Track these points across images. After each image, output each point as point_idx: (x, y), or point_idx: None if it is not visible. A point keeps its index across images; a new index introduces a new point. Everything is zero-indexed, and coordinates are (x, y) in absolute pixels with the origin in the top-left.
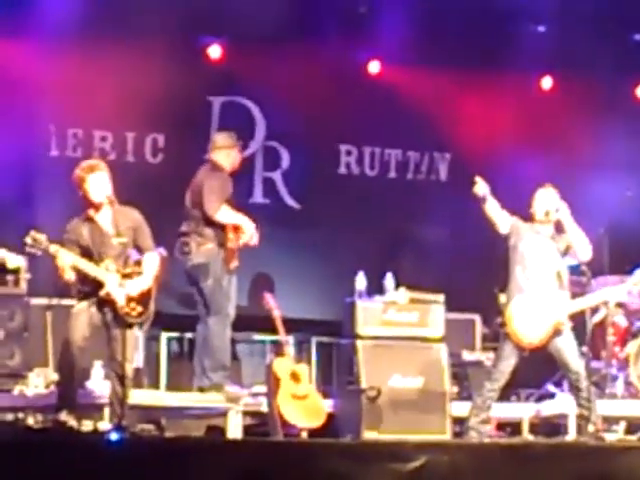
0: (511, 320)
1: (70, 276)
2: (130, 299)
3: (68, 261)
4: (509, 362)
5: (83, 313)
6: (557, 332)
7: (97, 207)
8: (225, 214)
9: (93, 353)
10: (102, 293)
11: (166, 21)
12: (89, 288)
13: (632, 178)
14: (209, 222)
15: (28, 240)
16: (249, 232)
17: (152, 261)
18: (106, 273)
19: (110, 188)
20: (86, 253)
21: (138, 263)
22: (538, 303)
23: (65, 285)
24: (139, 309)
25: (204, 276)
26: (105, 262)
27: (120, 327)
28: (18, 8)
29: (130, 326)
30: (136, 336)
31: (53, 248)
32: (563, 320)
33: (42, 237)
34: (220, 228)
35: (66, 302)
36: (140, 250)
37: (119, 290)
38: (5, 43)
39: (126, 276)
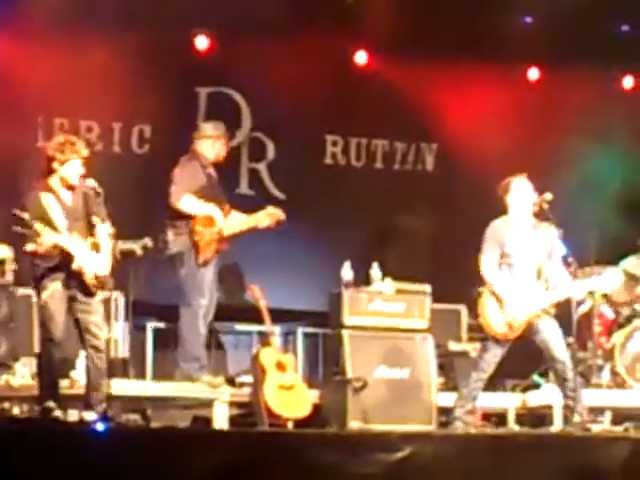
0: (483, 313)
1: (43, 251)
2: (96, 276)
3: (48, 237)
4: (495, 352)
5: (55, 296)
6: (534, 324)
7: (66, 184)
8: (188, 203)
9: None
10: (75, 266)
11: (153, 12)
12: (54, 262)
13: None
14: (180, 212)
15: (16, 218)
16: (220, 223)
17: (104, 233)
18: (78, 245)
19: (80, 172)
20: (50, 225)
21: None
22: (512, 296)
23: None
24: (101, 282)
25: (179, 266)
26: (72, 234)
27: (87, 298)
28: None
29: (93, 295)
30: (100, 304)
31: (38, 226)
32: (538, 312)
33: (26, 215)
34: (189, 219)
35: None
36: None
37: (89, 263)
38: None
39: (92, 250)
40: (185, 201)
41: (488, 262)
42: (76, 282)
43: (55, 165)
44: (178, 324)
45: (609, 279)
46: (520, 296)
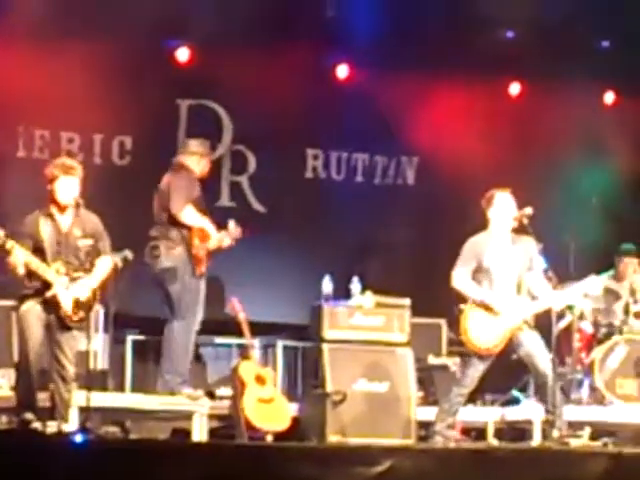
0: (466, 330)
1: (21, 271)
2: (76, 303)
3: (21, 258)
4: (477, 368)
5: (33, 311)
6: (515, 337)
7: (61, 207)
8: (189, 215)
9: None
10: (48, 295)
11: (134, 23)
12: (37, 286)
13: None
14: (176, 225)
15: None
16: (215, 237)
17: (105, 265)
18: (56, 275)
19: (78, 191)
20: (38, 250)
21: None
22: (493, 311)
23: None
24: (81, 314)
25: (172, 280)
26: (57, 263)
27: (61, 330)
28: None
29: (69, 329)
30: (76, 338)
31: (9, 244)
32: (519, 325)
33: (1, 233)
34: (187, 231)
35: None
36: (97, 254)
37: (65, 293)
38: None
39: (74, 280)
40: (187, 212)
41: (459, 275)
42: (53, 312)
43: (49, 187)
44: (165, 337)
45: (589, 285)
46: (501, 309)
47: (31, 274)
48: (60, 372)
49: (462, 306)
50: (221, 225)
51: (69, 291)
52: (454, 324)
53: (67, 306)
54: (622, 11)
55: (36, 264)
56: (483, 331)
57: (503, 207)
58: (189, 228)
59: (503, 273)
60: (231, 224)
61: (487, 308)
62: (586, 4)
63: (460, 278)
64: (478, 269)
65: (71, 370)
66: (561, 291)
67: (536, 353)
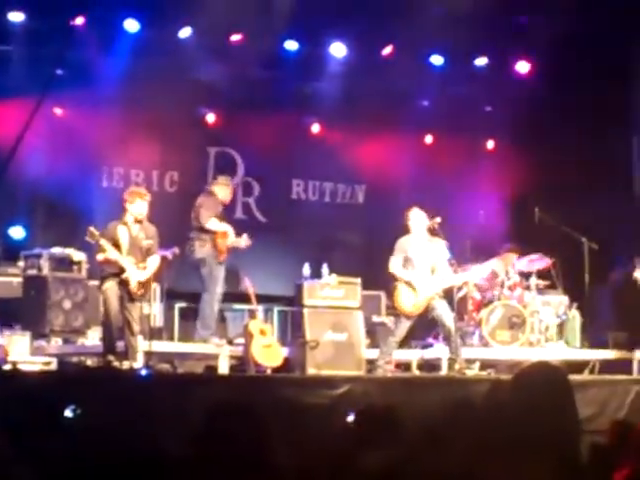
0: (397, 299)
1: (105, 261)
2: (139, 283)
3: (110, 253)
4: (405, 325)
5: (112, 289)
6: (430, 304)
7: (136, 220)
8: (213, 224)
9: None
10: (124, 276)
11: (181, 97)
12: (114, 270)
13: (485, 204)
14: (204, 230)
15: (88, 233)
16: (232, 236)
17: (155, 261)
18: (129, 264)
19: (146, 210)
20: (116, 246)
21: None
22: (414, 286)
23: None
24: (142, 291)
25: (202, 266)
26: (129, 256)
27: (130, 301)
28: (84, 88)
29: (134, 300)
30: (140, 307)
31: (103, 242)
32: (433, 295)
33: (96, 233)
34: (212, 234)
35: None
36: (150, 253)
37: (134, 276)
38: (74, 110)
39: (139, 268)
40: (211, 223)
41: (394, 262)
42: (125, 288)
43: (127, 205)
44: (200, 304)
45: (478, 272)
46: (420, 285)
47: (110, 262)
48: (130, 328)
49: (395, 283)
50: (238, 233)
51: (135, 275)
52: (390, 295)
53: (134, 284)
54: None
55: (116, 255)
56: (408, 300)
57: (416, 218)
58: (214, 232)
59: (421, 262)
60: (245, 236)
61: (410, 285)
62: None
63: (394, 265)
64: (405, 259)
65: (136, 327)
66: (459, 274)
67: (443, 314)
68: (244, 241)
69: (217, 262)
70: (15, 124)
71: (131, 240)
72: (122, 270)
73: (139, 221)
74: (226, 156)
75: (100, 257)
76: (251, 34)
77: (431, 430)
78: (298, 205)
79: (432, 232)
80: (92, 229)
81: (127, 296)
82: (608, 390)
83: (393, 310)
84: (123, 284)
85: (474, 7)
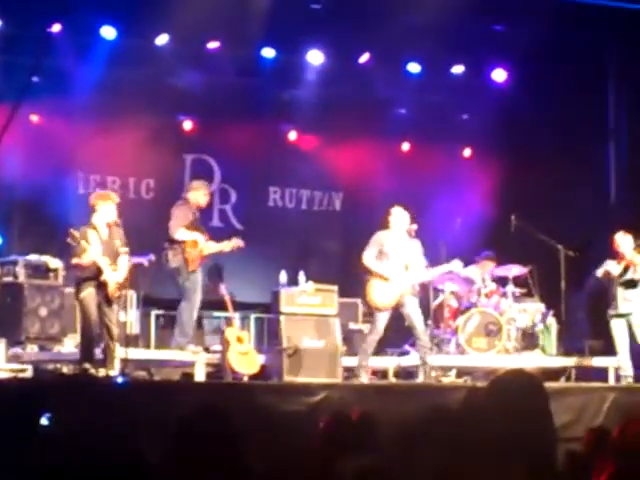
0: (369, 293)
1: (83, 264)
2: (117, 284)
3: (91, 254)
4: (381, 321)
5: (91, 295)
6: (402, 299)
7: (106, 223)
8: (181, 234)
9: None
10: (102, 278)
11: (158, 105)
12: (90, 274)
13: (461, 211)
14: (176, 240)
15: (69, 235)
16: (202, 245)
17: (124, 262)
18: (106, 265)
19: (115, 214)
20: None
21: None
22: (387, 278)
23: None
24: (119, 293)
25: (177, 275)
26: (105, 258)
27: (108, 306)
28: (60, 95)
29: (111, 305)
30: (117, 311)
31: (83, 243)
32: (405, 291)
33: (77, 235)
34: (183, 243)
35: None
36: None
37: (111, 277)
38: (50, 117)
39: (114, 270)
40: (179, 233)
41: (367, 255)
42: (102, 293)
43: (97, 208)
44: (178, 311)
45: (451, 266)
46: (393, 278)
47: (87, 266)
48: (110, 332)
49: (368, 277)
50: (217, 239)
51: (112, 276)
52: (362, 290)
53: (112, 286)
54: None
55: (96, 256)
56: (380, 293)
57: (398, 216)
58: (183, 241)
59: (396, 257)
60: (235, 239)
61: (383, 277)
62: None
63: (367, 257)
64: (380, 252)
65: (116, 330)
66: (432, 269)
67: (412, 312)
68: (237, 242)
69: (189, 271)
70: None
71: (102, 243)
72: (100, 272)
73: (108, 225)
74: (203, 163)
75: (76, 260)
76: (228, 41)
77: (407, 437)
78: (275, 212)
79: (410, 235)
80: (73, 231)
81: (104, 301)
82: (584, 397)
83: (369, 316)
84: (101, 288)
85: (451, 15)
